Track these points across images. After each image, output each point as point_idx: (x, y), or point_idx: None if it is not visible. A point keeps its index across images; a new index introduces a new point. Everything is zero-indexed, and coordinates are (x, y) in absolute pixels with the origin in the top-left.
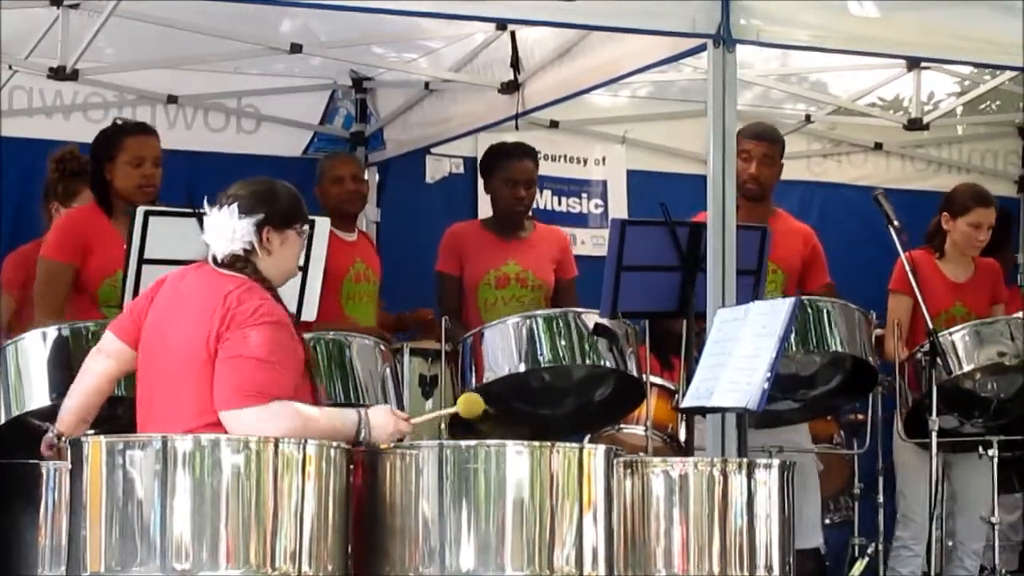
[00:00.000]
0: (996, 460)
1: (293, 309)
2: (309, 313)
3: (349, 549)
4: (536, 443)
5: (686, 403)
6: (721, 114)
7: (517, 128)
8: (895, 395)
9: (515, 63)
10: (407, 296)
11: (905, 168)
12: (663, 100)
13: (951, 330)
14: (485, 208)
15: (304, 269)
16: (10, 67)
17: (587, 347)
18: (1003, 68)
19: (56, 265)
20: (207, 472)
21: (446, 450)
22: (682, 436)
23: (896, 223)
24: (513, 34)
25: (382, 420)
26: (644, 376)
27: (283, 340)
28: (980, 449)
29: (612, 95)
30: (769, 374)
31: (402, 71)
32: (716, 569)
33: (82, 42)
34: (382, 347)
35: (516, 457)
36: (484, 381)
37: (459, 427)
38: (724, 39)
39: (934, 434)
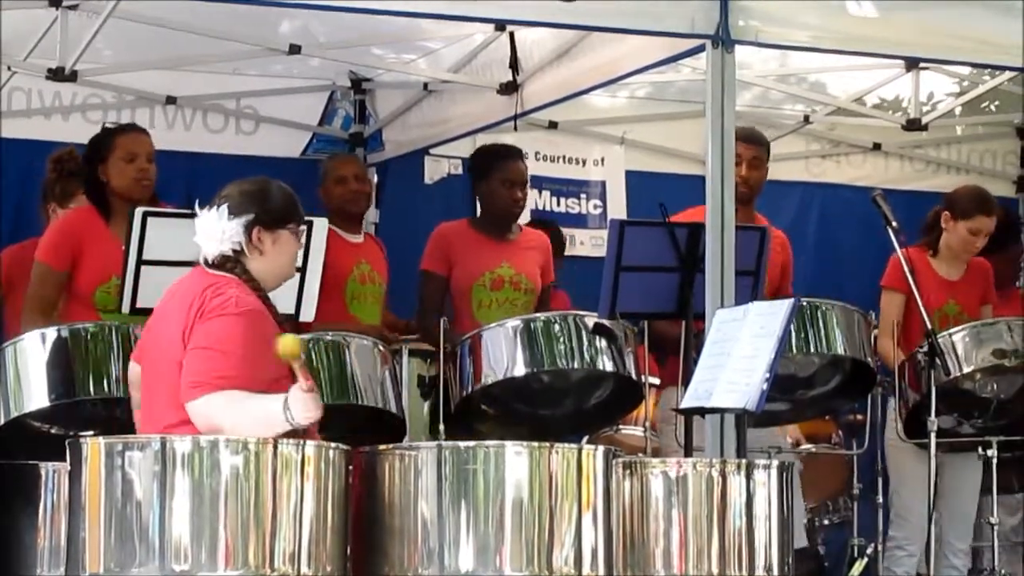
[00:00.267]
0: (996, 460)
1: (291, 310)
2: (307, 314)
3: (348, 550)
4: (535, 444)
5: (685, 404)
6: (720, 115)
7: (516, 129)
8: (883, 395)
9: (514, 64)
10: (406, 296)
11: (904, 168)
12: (662, 101)
13: (951, 331)
14: None
15: (302, 270)
16: (9, 68)
17: (586, 349)
18: (1002, 68)
19: (47, 269)
20: (206, 473)
21: (445, 451)
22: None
23: (895, 224)
24: (512, 35)
25: (296, 397)
26: (643, 377)
27: (253, 330)
28: (980, 450)
29: (611, 96)
30: (768, 375)
31: (401, 72)
32: (715, 570)
33: (81, 43)
34: (381, 348)
35: (515, 458)
36: (483, 383)
37: (458, 428)
38: (723, 40)
39: (933, 434)
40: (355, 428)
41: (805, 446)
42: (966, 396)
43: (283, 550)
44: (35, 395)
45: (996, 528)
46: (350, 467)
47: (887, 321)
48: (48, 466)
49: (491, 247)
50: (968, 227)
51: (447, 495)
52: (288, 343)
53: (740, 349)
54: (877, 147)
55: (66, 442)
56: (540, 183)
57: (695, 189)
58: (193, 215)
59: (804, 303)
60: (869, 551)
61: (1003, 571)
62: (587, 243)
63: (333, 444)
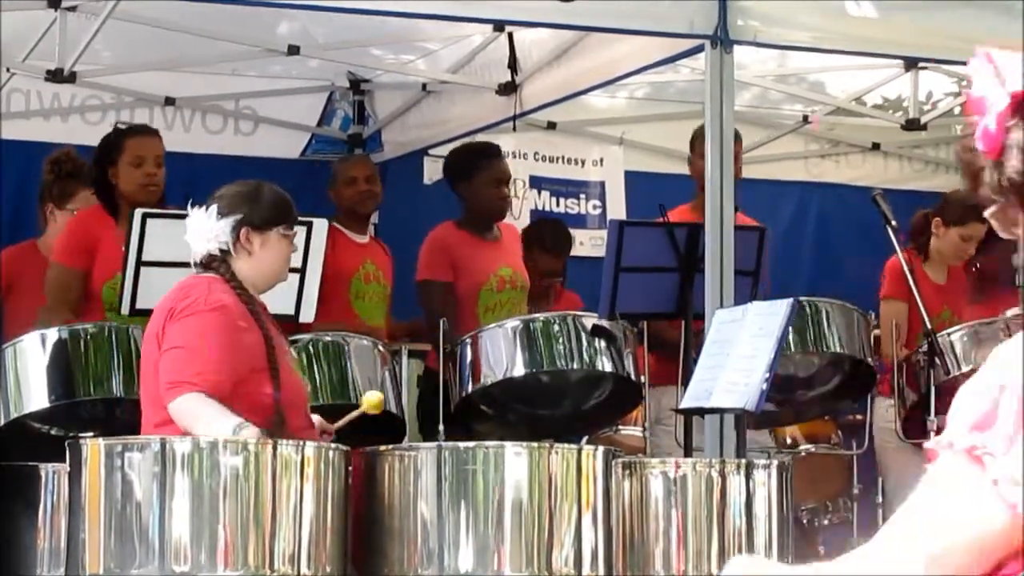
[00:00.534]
0: None
1: (291, 311)
2: (307, 315)
3: (348, 551)
4: (534, 444)
5: (685, 404)
6: (719, 115)
7: (515, 129)
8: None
9: (512, 64)
10: (406, 297)
11: (903, 168)
12: (660, 101)
13: (949, 330)
14: None
15: (302, 271)
16: (8, 70)
17: (585, 349)
18: None
19: (65, 270)
20: (206, 474)
21: (444, 451)
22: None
23: (894, 223)
24: (510, 35)
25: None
26: (642, 378)
27: (224, 326)
28: None
29: (609, 96)
30: (767, 375)
31: (400, 73)
32: (715, 570)
33: (80, 44)
34: (380, 348)
35: (514, 458)
36: (482, 383)
37: (458, 428)
38: (722, 40)
39: (932, 434)
40: (355, 428)
41: (805, 446)
42: None
43: (283, 551)
44: (35, 396)
45: None
46: (349, 468)
47: (887, 332)
48: (48, 467)
49: (488, 250)
50: (961, 234)
51: (447, 496)
52: (373, 401)
53: (739, 349)
54: (876, 147)
55: (66, 443)
56: (539, 183)
57: (694, 189)
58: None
59: (803, 303)
60: None
61: None
62: (587, 243)
63: (333, 445)
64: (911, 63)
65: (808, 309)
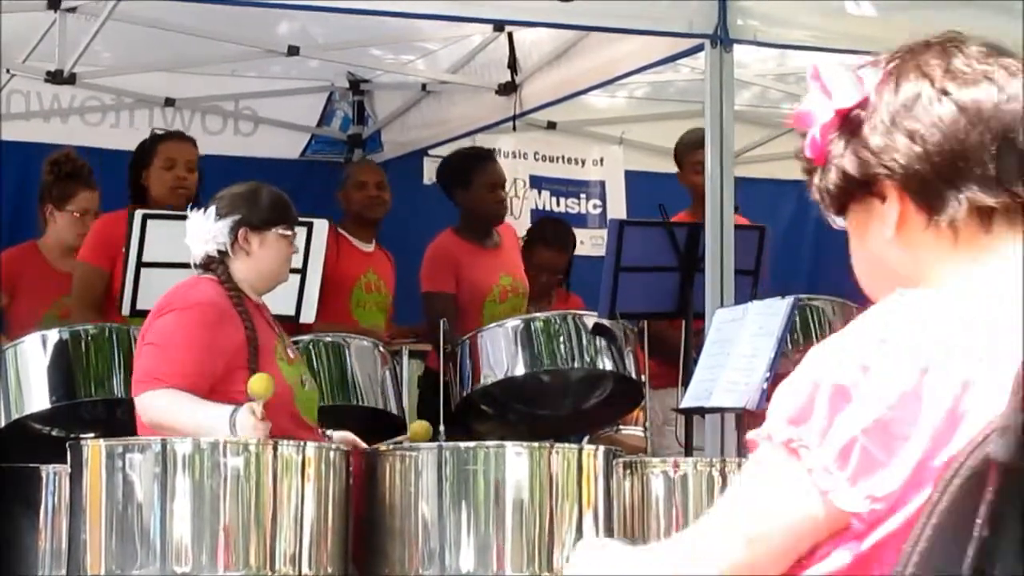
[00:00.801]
0: None
1: (292, 311)
2: (308, 315)
3: (349, 551)
4: (535, 444)
5: (685, 403)
6: (719, 114)
7: (515, 129)
8: None
9: (512, 64)
10: (406, 297)
11: None
12: (660, 101)
13: None
14: None
15: (303, 272)
16: (8, 71)
17: (585, 348)
18: None
19: (91, 269)
20: (206, 475)
21: (445, 452)
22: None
23: None
24: (510, 35)
25: (245, 417)
26: (643, 377)
27: (200, 324)
28: None
29: (609, 96)
30: (768, 374)
31: (399, 73)
32: None
33: (79, 46)
34: (380, 349)
35: (515, 458)
36: (482, 383)
37: (458, 428)
38: (721, 39)
39: None
40: (355, 429)
41: None
42: None
43: (284, 551)
44: (36, 397)
45: None
46: (350, 468)
47: None
48: (49, 468)
49: (487, 259)
50: None
51: (448, 496)
52: (256, 385)
53: (740, 348)
54: None
55: (67, 444)
56: (540, 183)
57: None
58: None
59: (804, 302)
60: None
61: None
62: (587, 243)
63: (333, 445)
64: None
65: (808, 308)
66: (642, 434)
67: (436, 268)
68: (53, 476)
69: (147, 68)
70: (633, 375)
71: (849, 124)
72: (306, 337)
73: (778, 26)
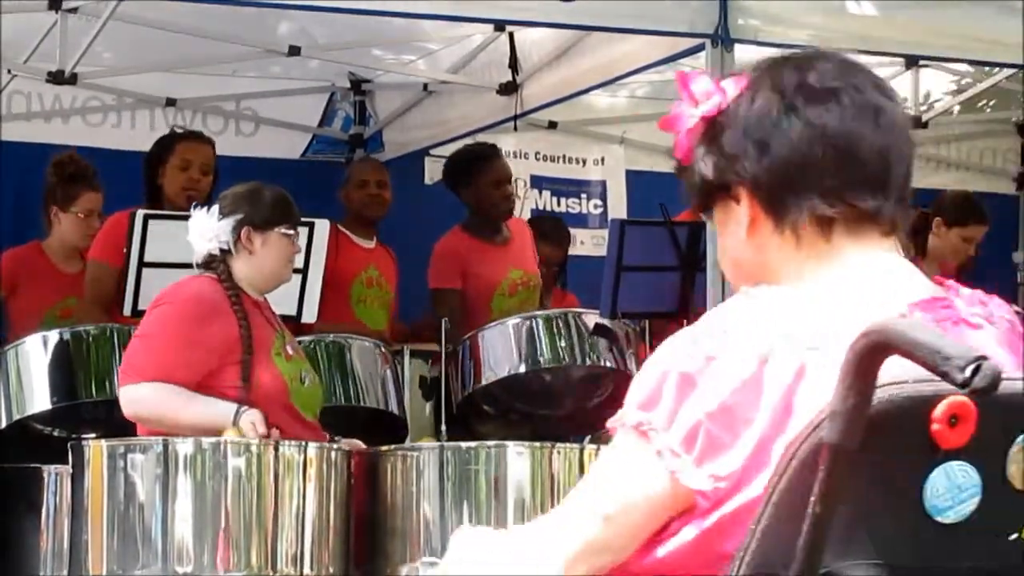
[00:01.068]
0: None
1: (293, 311)
2: (309, 315)
3: (350, 551)
4: (537, 444)
5: None
6: None
7: (516, 129)
8: None
9: (513, 64)
10: (407, 298)
11: None
12: (661, 100)
13: None
14: None
15: (304, 271)
16: (9, 71)
17: (587, 347)
18: (1002, 66)
19: (101, 267)
20: (208, 475)
21: (447, 451)
22: None
23: None
24: (511, 35)
25: (253, 416)
26: None
27: (188, 318)
28: None
29: (610, 95)
30: None
31: (400, 73)
32: None
33: (80, 46)
34: (382, 349)
35: (517, 458)
36: (483, 382)
37: (460, 429)
38: (722, 39)
39: None
40: (357, 429)
41: None
42: None
43: (285, 551)
44: (37, 397)
45: None
46: (352, 468)
47: None
48: (50, 469)
49: (496, 254)
50: (962, 235)
51: (449, 496)
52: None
53: None
54: None
55: (68, 444)
56: (540, 183)
57: None
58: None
59: None
60: None
61: None
62: (588, 243)
63: (335, 445)
64: (912, 61)
65: None
66: None
67: (442, 265)
68: (55, 476)
69: (148, 68)
70: (635, 374)
71: (711, 131)
72: (307, 337)
73: (779, 25)
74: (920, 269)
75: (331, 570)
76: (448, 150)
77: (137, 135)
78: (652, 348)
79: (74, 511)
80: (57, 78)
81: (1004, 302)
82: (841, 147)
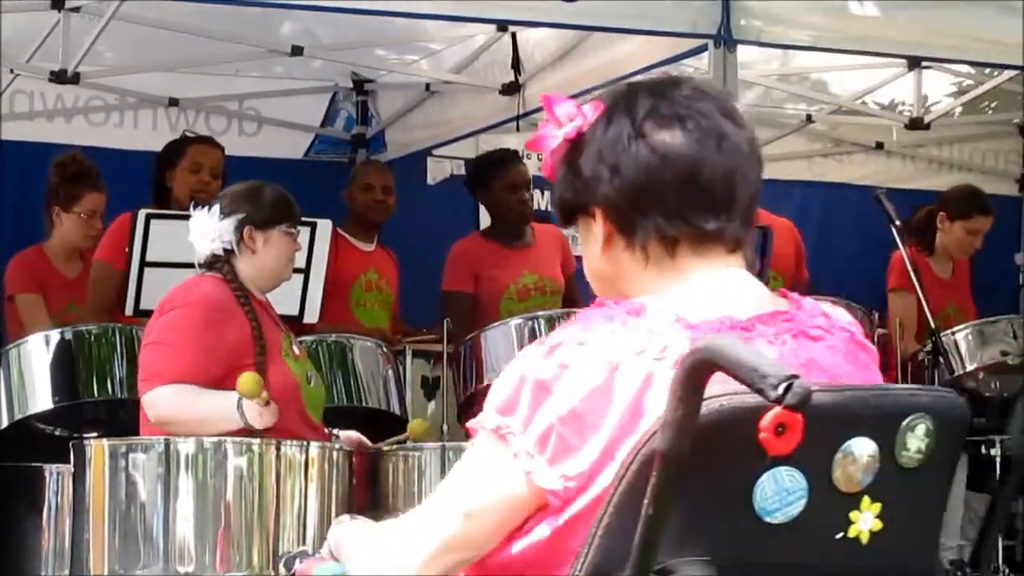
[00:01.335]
0: (999, 459)
1: (295, 311)
2: (311, 315)
3: None
4: None
5: None
6: None
7: (518, 129)
8: None
9: (516, 64)
10: (409, 297)
11: (906, 168)
12: None
13: (953, 329)
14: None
15: (306, 271)
16: (11, 71)
17: None
18: (1004, 67)
19: (106, 267)
20: (210, 474)
21: (448, 452)
22: None
23: (898, 223)
24: (514, 36)
25: (249, 405)
26: None
27: (203, 320)
28: (983, 448)
29: None
30: None
31: (403, 73)
32: None
33: (83, 45)
34: (384, 349)
35: None
36: (485, 382)
37: (461, 429)
38: (725, 39)
39: None
40: (358, 429)
41: None
42: (970, 395)
43: (287, 551)
44: (39, 397)
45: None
46: (353, 468)
47: (895, 325)
48: (52, 468)
49: (511, 258)
50: (966, 228)
51: None
52: (243, 385)
53: None
54: (879, 146)
55: (70, 444)
56: (541, 184)
57: None
58: None
59: None
60: None
61: (1006, 570)
62: None
63: (337, 445)
64: (914, 62)
65: None
66: None
67: (454, 267)
68: (56, 476)
69: (151, 68)
70: None
71: (571, 152)
72: (309, 337)
73: (781, 26)
74: (928, 267)
75: None
76: (451, 151)
77: (140, 135)
78: None
79: (75, 510)
80: (60, 77)
81: (848, 312)
82: (684, 171)
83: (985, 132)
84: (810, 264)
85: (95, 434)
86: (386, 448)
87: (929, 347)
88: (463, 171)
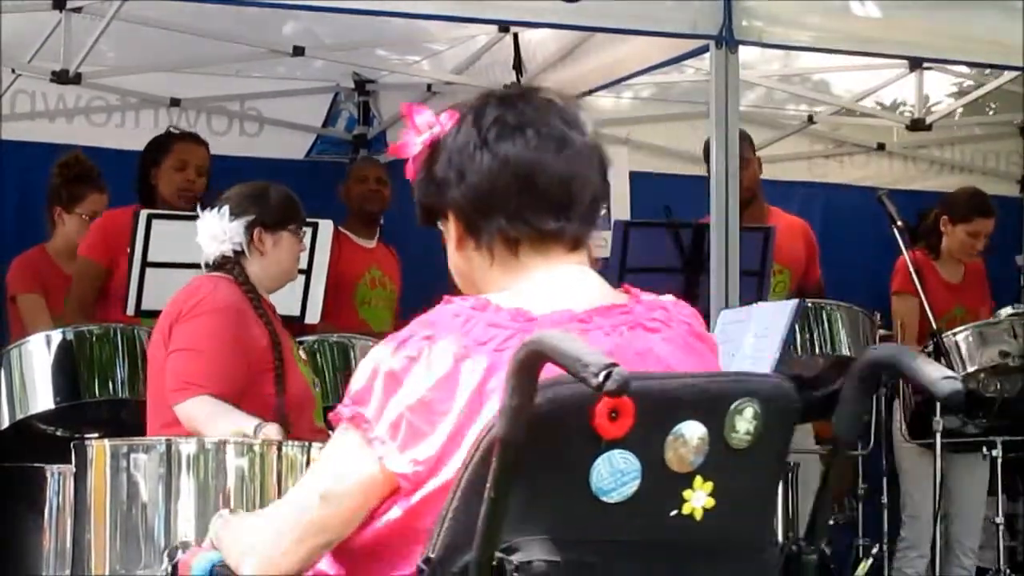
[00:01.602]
0: (1000, 460)
1: (297, 312)
2: (313, 316)
3: None
4: None
5: None
6: (724, 115)
7: None
8: (888, 397)
9: (517, 65)
10: (411, 297)
11: (908, 169)
12: (665, 102)
13: (954, 331)
14: None
15: (307, 272)
16: (13, 71)
17: None
18: (1004, 68)
19: (89, 264)
20: (211, 475)
21: None
22: None
23: (900, 224)
24: (515, 36)
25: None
26: None
27: (230, 326)
28: (984, 449)
29: (614, 97)
30: None
31: (405, 73)
32: None
33: (85, 46)
34: None
35: None
36: None
37: None
38: (726, 40)
39: (938, 435)
40: None
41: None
42: (971, 396)
43: None
44: (40, 397)
45: (1001, 528)
46: None
47: (903, 326)
48: (53, 468)
49: None
50: (967, 230)
51: None
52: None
53: (745, 350)
54: (881, 147)
55: (71, 444)
56: None
57: (699, 190)
58: (196, 217)
59: (809, 304)
60: (875, 551)
61: (1007, 570)
62: None
63: None
64: (915, 63)
65: (813, 310)
66: None
67: None
68: (57, 476)
69: (152, 68)
70: None
71: (428, 158)
72: (311, 337)
73: (783, 27)
74: (934, 270)
75: None
76: None
77: (141, 135)
78: None
79: (77, 511)
80: (61, 78)
81: (687, 304)
82: (523, 176)
83: (986, 133)
84: None
85: (96, 434)
86: None
87: (930, 348)
88: None
